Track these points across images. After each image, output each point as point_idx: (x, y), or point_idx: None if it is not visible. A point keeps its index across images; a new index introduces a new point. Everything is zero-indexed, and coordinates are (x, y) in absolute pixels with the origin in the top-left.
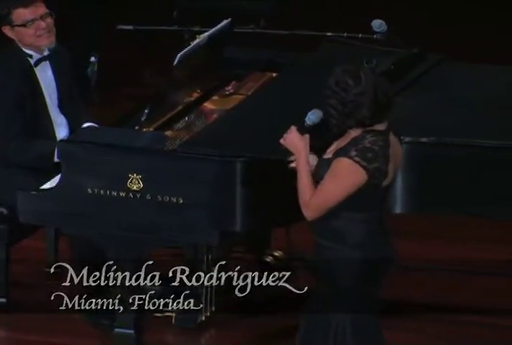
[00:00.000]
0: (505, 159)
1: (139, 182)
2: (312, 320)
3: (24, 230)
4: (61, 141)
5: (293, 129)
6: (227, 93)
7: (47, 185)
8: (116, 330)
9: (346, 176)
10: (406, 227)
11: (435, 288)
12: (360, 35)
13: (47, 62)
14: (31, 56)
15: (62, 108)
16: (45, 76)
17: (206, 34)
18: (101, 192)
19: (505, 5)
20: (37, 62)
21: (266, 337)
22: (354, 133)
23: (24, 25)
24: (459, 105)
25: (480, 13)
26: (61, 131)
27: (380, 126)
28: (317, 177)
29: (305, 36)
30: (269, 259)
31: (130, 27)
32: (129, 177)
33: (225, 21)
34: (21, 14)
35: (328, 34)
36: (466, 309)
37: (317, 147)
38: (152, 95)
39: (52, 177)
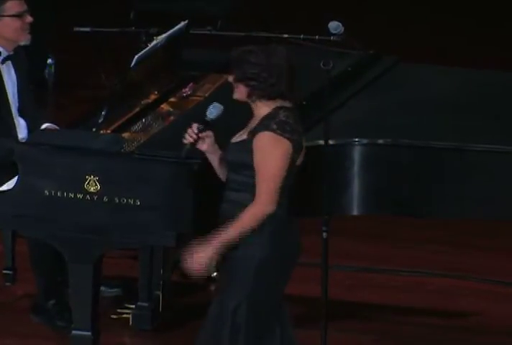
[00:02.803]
0: (460, 160)
1: (96, 184)
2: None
3: None
4: (18, 142)
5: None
6: (184, 95)
7: (4, 187)
8: (73, 332)
9: (273, 148)
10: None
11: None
12: (317, 37)
13: (10, 61)
14: None
15: (22, 109)
16: (9, 75)
17: (164, 35)
18: (58, 194)
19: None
20: (4, 60)
21: None
22: (264, 111)
23: (16, 16)
24: (413, 106)
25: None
26: (21, 133)
27: (288, 104)
28: (231, 161)
29: (261, 38)
30: None
31: (87, 29)
32: (86, 179)
33: (182, 23)
34: (14, 5)
35: (285, 35)
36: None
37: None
38: (108, 97)
39: (7, 177)
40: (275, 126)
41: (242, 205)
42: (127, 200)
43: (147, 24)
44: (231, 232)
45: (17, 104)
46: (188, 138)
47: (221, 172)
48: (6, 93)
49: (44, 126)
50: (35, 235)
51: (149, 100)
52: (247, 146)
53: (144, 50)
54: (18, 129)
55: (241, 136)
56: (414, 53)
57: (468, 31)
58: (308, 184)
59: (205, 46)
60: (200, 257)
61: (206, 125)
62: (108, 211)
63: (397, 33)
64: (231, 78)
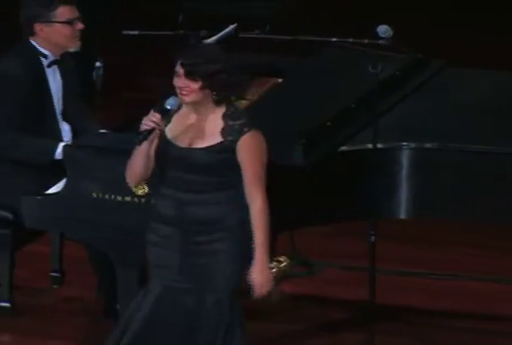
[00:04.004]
0: (504, 165)
1: (144, 187)
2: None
3: (28, 235)
4: (66, 145)
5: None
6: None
7: (52, 190)
8: None
9: (263, 146)
10: (405, 232)
11: (429, 293)
12: (366, 41)
13: (56, 66)
14: (45, 56)
15: (66, 114)
16: (54, 79)
17: (213, 38)
18: (106, 196)
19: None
20: (50, 64)
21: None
22: (219, 111)
23: (67, 22)
24: (460, 110)
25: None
26: (65, 137)
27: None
28: (205, 163)
29: (309, 41)
30: (273, 264)
31: (135, 32)
32: None
33: (231, 26)
34: (65, 11)
35: (334, 39)
36: (458, 314)
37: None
38: (156, 100)
39: (55, 180)
40: (251, 124)
41: (208, 206)
42: None
43: (196, 27)
44: (263, 238)
45: (61, 108)
46: (148, 124)
47: (144, 164)
48: (51, 96)
49: (91, 130)
50: (82, 237)
51: None
52: (229, 147)
53: None
54: (62, 133)
55: (208, 139)
56: (461, 56)
57: None
58: (356, 187)
59: (253, 49)
60: (264, 276)
61: (163, 115)
62: None
63: (444, 36)
64: (193, 81)
